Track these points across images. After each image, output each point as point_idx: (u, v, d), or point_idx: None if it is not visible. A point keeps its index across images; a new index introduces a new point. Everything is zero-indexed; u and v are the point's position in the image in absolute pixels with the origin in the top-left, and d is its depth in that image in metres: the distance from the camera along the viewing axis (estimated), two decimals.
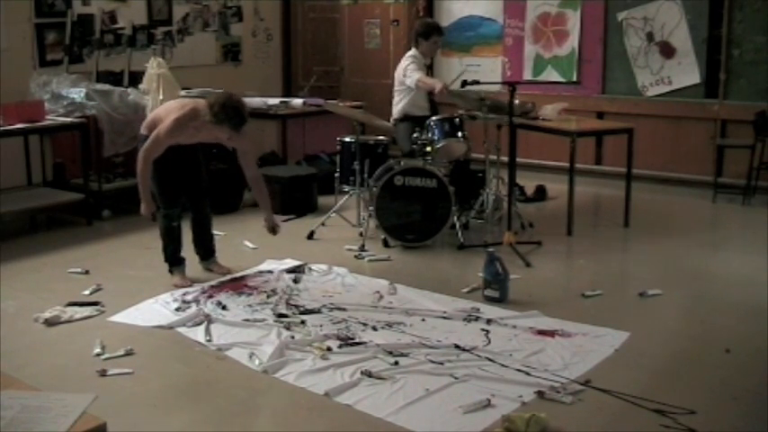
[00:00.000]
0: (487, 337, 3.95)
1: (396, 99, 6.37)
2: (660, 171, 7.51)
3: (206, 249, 5.04)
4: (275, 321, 4.14)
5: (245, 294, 4.58)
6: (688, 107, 7.37)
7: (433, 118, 5.80)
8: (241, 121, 4.48)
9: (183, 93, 6.79)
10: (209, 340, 3.92)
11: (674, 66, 7.42)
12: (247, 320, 4.17)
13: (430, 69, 6.79)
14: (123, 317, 4.26)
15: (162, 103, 6.36)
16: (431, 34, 6.25)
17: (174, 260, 4.84)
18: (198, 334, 3.99)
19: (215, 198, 6.50)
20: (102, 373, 3.55)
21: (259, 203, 4.93)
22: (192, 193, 4.87)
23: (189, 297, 4.50)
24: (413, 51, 6.31)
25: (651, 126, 7.41)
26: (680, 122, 7.45)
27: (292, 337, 3.92)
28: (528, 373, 3.54)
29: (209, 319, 4.14)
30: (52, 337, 4.04)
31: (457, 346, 3.82)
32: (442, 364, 3.64)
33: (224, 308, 4.34)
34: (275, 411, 3.40)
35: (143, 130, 4.68)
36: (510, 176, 5.75)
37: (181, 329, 4.07)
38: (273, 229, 4.88)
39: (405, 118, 6.29)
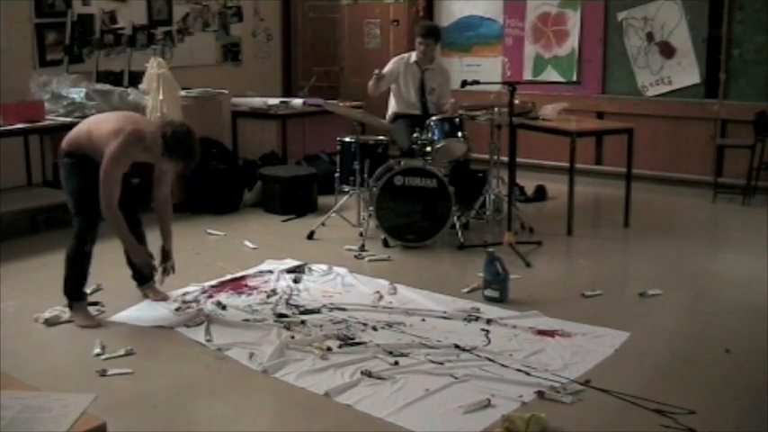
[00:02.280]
0: (487, 337, 3.95)
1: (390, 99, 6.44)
2: (660, 171, 7.51)
3: (140, 272, 4.40)
4: (275, 321, 4.14)
5: (245, 294, 4.58)
6: (688, 107, 7.37)
7: (433, 118, 5.81)
8: (193, 160, 4.06)
9: (182, 93, 6.80)
10: (209, 340, 3.91)
11: (674, 66, 7.42)
12: (247, 320, 4.17)
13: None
14: (123, 317, 4.26)
15: (162, 104, 6.39)
16: (419, 35, 6.22)
17: (77, 294, 4.21)
18: (198, 334, 3.99)
19: (215, 198, 6.55)
20: (102, 373, 3.55)
21: (162, 226, 4.31)
22: (122, 204, 4.11)
23: (189, 297, 4.50)
24: (411, 53, 6.35)
25: (651, 126, 7.41)
26: (680, 122, 7.45)
27: (292, 337, 3.91)
28: (528, 373, 3.54)
29: (209, 320, 4.14)
30: (52, 337, 4.04)
31: (457, 346, 3.82)
32: (442, 364, 3.64)
33: (224, 308, 4.34)
34: (275, 411, 3.40)
35: (64, 145, 4.17)
36: (510, 176, 5.75)
37: (181, 329, 4.06)
38: (167, 256, 4.29)
39: (396, 117, 6.33)
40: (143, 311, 4.33)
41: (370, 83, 6.13)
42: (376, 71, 6.09)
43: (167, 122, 4.15)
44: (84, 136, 4.13)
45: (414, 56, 6.29)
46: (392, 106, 6.43)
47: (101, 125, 4.11)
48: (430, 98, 6.30)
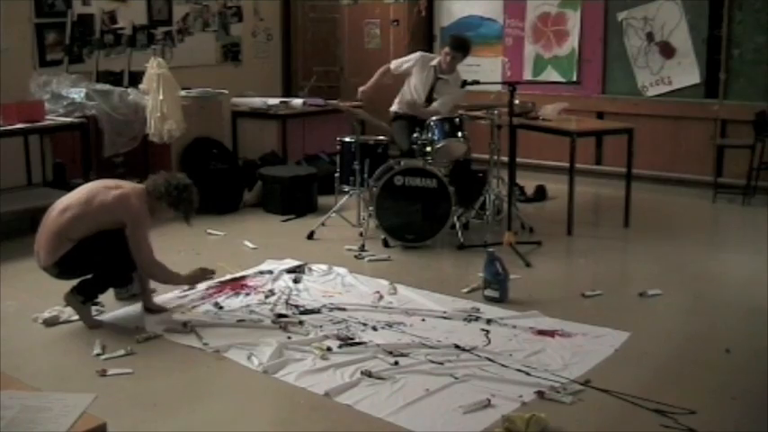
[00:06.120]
0: (487, 337, 3.95)
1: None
2: (660, 171, 7.50)
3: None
4: (273, 322, 4.13)
5: (243, 294, 4.57)
6: (688, 107, 7.37)
7: (433, 118, 5.80)
8: (194, 212, 4.26)
9: (182, 93, 6.80)
10: (205, 344, 3.88)
11: (674, 66, 7.42)
12: (242, 321, 4.16)
13: None
14: (111, 317, 4.25)
15: (162, 104, 6.38)
16: (450, 46, 6.14)
17: (93, 296, 4.20)
18: (191, 340, 3.94)
19: (215, 198, 6.54)
20: (102, 373, 3.55)
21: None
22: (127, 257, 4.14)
23: (186, 299, 4.49)
24: (437, 56, 6.31)
25: (651, 126, 7.41)
26: (680, 122, 7.45)
27: (289, 338, 3.91)
28: (528, 373, 3.54)
29: (190, 327, 4.06)
30: (52, 337, 4.04)
31: (457, 346, 3.82)
32: (442, 364, 3.64)
33: (220, 308, 4.33)
34: (275, 411, 3.40)
35: (48, 262, 4.04)
36: (510, 176, 5.75)
37: (173, 337, 4.00)
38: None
39: (397, 116, 6.34)
40: (128, 312, 4.31)
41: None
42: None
43: (171, 176, 4.23)
44: (73, 220, 4.03)
45: (436, 61, 6.25)
46: (395, 105, 6.42)
47: (91, 199, 4.08)
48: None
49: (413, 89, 6.27)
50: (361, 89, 6.35)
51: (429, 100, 6.20)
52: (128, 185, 4.18)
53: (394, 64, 6.41)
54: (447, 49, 6.16)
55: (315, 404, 3.31)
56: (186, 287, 4.56)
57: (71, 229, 4.03)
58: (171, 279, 4.28)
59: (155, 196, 4.13)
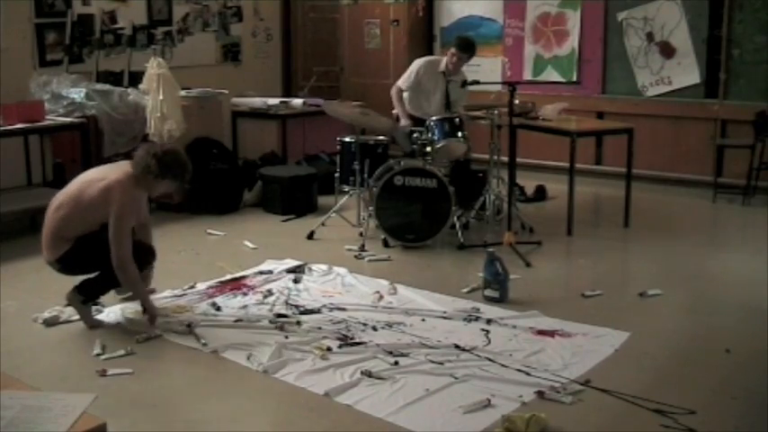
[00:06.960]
0: (487, 337, 3.95)
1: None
2: (660, 171, 7.50)
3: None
4: (271, 322, 4.13)
5: (241, 294, 4.57)
6: (688, 107, 7.37)
7: (433, 118, 5.80)
8: (189, 173, 4.13)
9: (182, 93, 6.80)
10: (205, 344, 3.87)
11: (674, 66, 7.42)
12: (240, 321, 4.16)
13: None
14: (105, 315, 4.25)
15: (162, 104, 6.38)
16: (458, 48, 6.11)
17: (95, 297, 4.23)
18: (190, 340, 3.93)
19: (215, 198, 6.55)
20: (102, 373, 3.55)
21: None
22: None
23: (185, 299, 4.48)
24: (442, 59, 6.28)
25: (651, 126, 7.41)
26: (680, 122, 7.45)
27: (286, 337, 3.91)
28: (528, 373, 3.54)
29: (190, 328, 4.05)
30: (52, 337, 4.04)
31: (457, 346, 3.82)
32: (442, 364, 3.64)
33: (218, 309, 4.33)
34: (275, 411, 3.40)
35: (51, 257, 4.06)
36: (510, 176, 5.75)
37: (171, 337, 3.99)
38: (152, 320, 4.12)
39: (400, 118, 6.32)
40: (128, 312, 4.29)
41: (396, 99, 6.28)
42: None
43: (150, 146, 4.14)
44: (65, 220, 4.02)
45: (443, 64, 6.22)
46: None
47: (80, 195, 4.04)
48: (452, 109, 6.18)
49: (432, 99, 6.24)
50: (402, 123, 6.21)
51: (448, 106, 6.15)
52: (115, 174, 4.06)
53: (404, 83, 6.31)
54: (453, 50, 6.13)
55: (315, 404, 3.31)
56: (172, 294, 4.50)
57: (64, 229, 4.02)
58: (136, 286, 4.12)
59: (139, 173, 4.02)
